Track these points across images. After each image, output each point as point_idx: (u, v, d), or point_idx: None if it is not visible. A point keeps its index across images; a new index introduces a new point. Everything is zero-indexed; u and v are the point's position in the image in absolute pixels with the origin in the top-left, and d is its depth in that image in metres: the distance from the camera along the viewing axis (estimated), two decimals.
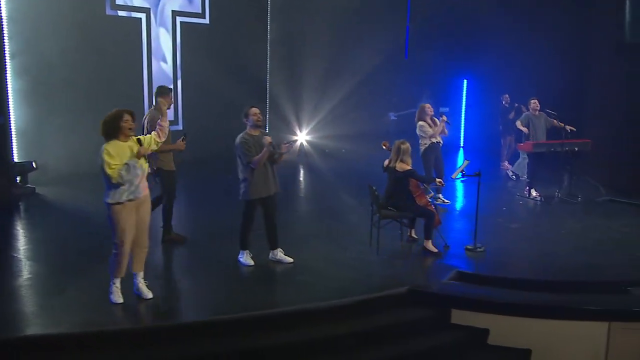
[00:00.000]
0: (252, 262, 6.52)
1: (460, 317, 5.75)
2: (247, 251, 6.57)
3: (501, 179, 11.84)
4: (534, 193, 9.99)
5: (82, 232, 7.73)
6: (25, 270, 6.24)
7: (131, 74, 11.92)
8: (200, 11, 12.94)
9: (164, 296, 5.71)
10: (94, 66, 11.13)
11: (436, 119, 9.26)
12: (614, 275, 6.53)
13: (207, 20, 13.05)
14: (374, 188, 6.96)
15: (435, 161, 9.16)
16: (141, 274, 5.52)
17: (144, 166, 5.33)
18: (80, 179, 10.13)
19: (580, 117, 12.75)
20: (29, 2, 10.25)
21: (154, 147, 5.51)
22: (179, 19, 12.55)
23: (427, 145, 9.14)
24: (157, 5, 12.18)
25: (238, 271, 6.45)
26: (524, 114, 10.32)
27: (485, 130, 14.69)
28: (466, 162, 7.31)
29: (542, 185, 10.26)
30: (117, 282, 5.38)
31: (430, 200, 7.18)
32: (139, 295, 5.50)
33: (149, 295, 5.51)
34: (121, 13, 11.64)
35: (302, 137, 14.87)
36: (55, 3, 10.59)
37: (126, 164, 5.14)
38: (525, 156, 11.09)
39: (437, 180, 7.07)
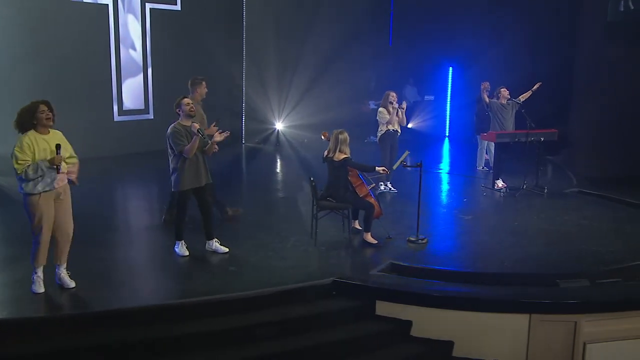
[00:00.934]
0: (186, 253, 6.77)
1: (384, 308, 5.96)
2: (182, 241, 6.81)
3: (475, 170, 11.95)
4: (499, 184, 10.13)
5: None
6: None
7: (98, 62, 12.15)
8: None
9: (88, 285, 5.92)
10: (59, 55, 11.34)
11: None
12: (550, 268, 6.69)
13: (178, 7, 13.25)
14: (312, 179, 7.17)
15: (391, 149, 9.46)
16: (64, 265, 5.76)
17: (63, 167, 5.51)
18: None
19: (569, 103, 12.81)
20: None
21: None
22: (148, 5, 12.75)
23: (383, 132, 9.53)
24: None
25: (172, 261, 6.70)
26: (492, 101, 10.42)
27: (471, 119, 14.75)
28: (406, 152, 7.50)
29: (513, 176, 10.37)
30: (39, 272, 5.64)
31: (370, 191, 7.36)
32: (61, 285, 5.75)
33: (72, 284, 5.76)
34: None
35: (279, 126, 15.07)
36: None
37: (36, 163, 5.36)
38: (483, 146, 11.28)
39: (380, 168, 7.25)
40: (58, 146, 5.46)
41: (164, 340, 5.35)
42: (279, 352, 5.47)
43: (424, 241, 7.31)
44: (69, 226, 5.70)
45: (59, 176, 5.51)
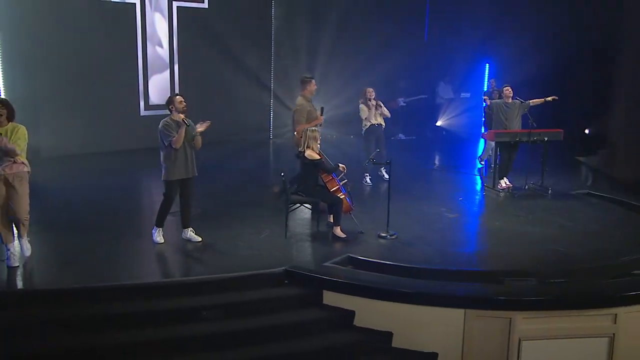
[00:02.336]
0: (162, 240, 7.53)
1: (331, 298, 6.50)
2: (161, 229, 7.58)
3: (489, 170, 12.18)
4: (503, 184, 10.34)
5: (41, 207, 8.86)
6: None
7: (126, 59, 13.18)
8: None
9: (56, 266, 6.77)
10: (88, 52, 12.43)
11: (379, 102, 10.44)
12: (503, 266, 7.03)
13: (205, 4, 14.10)
14: (282, 174, 7.80)
15: (377, 142, 10.18)
16: (24, 237, 6.72)
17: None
18: (70, 160, 11.89)
19: (607, 101, 12.70)
20: None
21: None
22: (175, 4, 13.67)
23: (367, 127, 10.43)
24: None
25: (146, 247, 7.48)
26: (494, 101, 10.63)
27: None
28: (377, 150, 8.00)
29: (522, 177, 10.53)
30: (11, 248, 6.61)
31: (341, 187, 7.90)
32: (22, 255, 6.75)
33: (28, 253, 6.77)
34: None
35: None
36: None
37: None
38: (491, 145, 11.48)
39: (340, 165, 7.81)
40: None
41: (118, 317, 6.09)
42: (223, 332, 6.12)
43: (393, 237, 7.78)
44: (21, 212, 6.59)
45: (6, 164, 6.42)
